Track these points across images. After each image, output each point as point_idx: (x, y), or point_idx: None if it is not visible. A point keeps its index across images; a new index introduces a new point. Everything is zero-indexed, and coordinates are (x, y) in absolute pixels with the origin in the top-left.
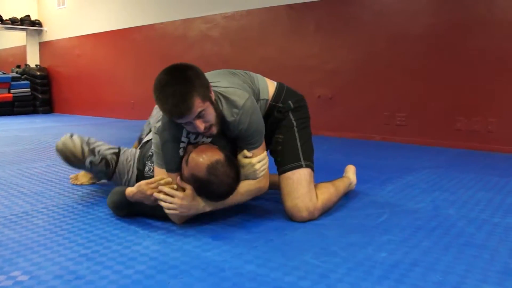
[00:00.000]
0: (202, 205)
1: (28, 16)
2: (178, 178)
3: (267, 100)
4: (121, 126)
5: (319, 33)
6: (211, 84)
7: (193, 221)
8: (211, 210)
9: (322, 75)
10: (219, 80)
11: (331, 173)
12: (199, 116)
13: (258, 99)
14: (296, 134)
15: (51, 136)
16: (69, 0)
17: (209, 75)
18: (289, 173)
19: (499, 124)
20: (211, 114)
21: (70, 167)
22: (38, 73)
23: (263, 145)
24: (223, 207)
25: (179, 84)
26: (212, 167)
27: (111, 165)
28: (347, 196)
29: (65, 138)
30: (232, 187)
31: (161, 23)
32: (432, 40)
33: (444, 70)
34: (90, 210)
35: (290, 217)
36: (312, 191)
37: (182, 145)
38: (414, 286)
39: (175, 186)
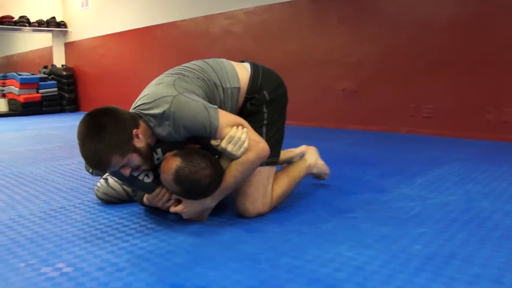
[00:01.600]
0: (205, 203)
1: (54, 17)
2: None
3: (238, 88)
4: None
5: (342, 26)
6: (141, 109)
7: (226, 214)
8: (218, 201)
9: (346, 68)
10: (145, 101)
11: (357, 167)
12: (123, 166)
13: (224, 88)
14: (264, 131)
15: None
16: (93, 1)
17: (143, 93)
18: None
19: None
20: (135, 160)
21: None
22: (64, 73)
23: (226, 119)
24: (226, 194)
25: (96, 144)
26: (177, 178)
27: None
28: (377, 189)
29: (102, 187)
30: (213, 176)
31: (183, 20)
32: (458, 29)
33: (472, 60)
34: (124, 205)
35: (238, 214)
36: (267, 194)
37: (141, 176)
38: (452, 279)
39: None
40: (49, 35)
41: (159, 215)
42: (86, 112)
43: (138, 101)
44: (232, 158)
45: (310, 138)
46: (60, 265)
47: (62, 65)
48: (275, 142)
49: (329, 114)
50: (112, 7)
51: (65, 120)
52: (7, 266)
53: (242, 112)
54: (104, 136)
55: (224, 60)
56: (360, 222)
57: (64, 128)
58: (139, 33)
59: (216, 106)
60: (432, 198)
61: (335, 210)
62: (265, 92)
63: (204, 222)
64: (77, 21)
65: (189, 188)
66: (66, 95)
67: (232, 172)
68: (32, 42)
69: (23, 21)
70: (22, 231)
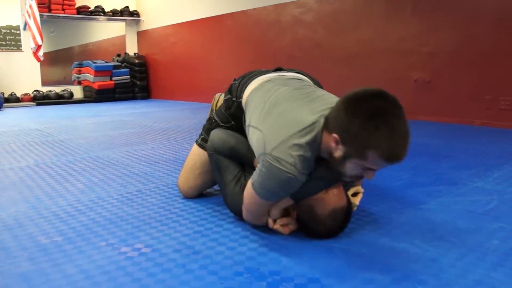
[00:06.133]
0: None
1: (127, 7)
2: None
3: None
4: None
5: (417, 14)
6: None
7: None
8: None
9: (419, 58)
10: None
11: (430, 158)
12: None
13: None
14: None
15: (152, 120)
16: None
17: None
18: None
19: None
20: None
21: None
22: (137, 61)
23: None
24: None
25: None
26: (335, 212)
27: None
28: (451, 181)
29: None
30: (331, 234)
31: (254, 9)
32: None
33: None
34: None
35: None
36: None
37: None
38: None
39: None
40: (123, 24)
41: None
42: (157, 99)
43: None
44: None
45: None
46: (138, 245)
47: (135, 53)
48: None
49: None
50: None
51: (137, 107)
52: (90, 244)
53: None
54: None
55: None
56: (434, 214)
57: (137, 115)
58: (210, 22)
59: None
60: (509, 193)
61: (409, 202)
62: None
63: None
64: (150, 10)
65: (319, 221)
66: (138, 82)
67: None
68: (106, 31)
69: (98, 11)
70: (101, 212)
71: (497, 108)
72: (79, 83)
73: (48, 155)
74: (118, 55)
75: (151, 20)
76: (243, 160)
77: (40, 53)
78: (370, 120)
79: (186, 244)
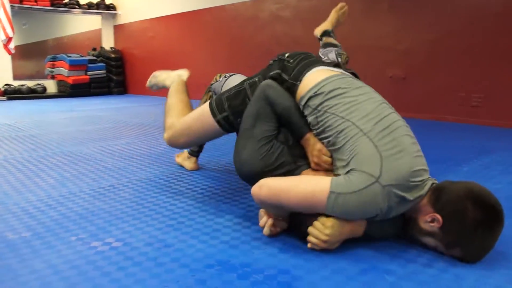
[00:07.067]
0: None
1: (103, 0)
2: None
3: None
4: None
5: (393, 11)
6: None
7: None
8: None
9: (395, 55)
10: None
11: None
12: None
13: None
14: None
15: (128, 115)
16: None
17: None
18: None
19: None
20: None
21: None
22: (113, 56)
23: None
24: None
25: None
26: None
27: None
28: None
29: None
30: None
31: (232, 5)
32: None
33: None
34: (171, 185)
35: None
36: None
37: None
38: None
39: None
40: (99, 17)
41: (205, 195)
42: (133, 95)
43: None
44: None
45: None
46: (109, 240)
47: (111, 48)
48: None
49: None
50: None
51: (112, 102)
52: (59, 239)
53: None
54: None
55: None
56: None
57: (112, 110)
58: (188, 16)
59: None
60: None
61: None
62: None
63: (250, 204)
64: (126, 4)
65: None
66: (114, 77)
67: None
68: (81, 24)
69: (73, 3)
70: (72, 207)
71: (469, 105)
72: (53, 77)
73: (18, 150)
74: (94, 49)
75: (128, 14)
76: (289, 126)
77: (11, 45)
78: (476, 231)
79: (157, 237)
